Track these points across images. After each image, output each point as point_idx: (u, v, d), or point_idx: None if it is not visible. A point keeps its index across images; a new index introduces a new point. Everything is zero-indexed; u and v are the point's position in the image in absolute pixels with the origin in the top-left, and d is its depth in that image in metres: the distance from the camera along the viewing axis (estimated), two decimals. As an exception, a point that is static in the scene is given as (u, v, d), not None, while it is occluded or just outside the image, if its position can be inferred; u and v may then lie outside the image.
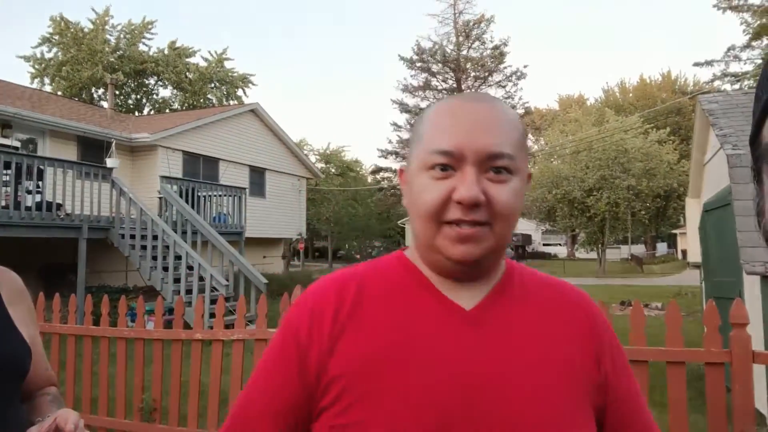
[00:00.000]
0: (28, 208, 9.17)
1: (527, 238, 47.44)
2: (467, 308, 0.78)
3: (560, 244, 51.16)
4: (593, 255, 43.15)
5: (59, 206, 9.77)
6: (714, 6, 20.34)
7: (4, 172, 8.93)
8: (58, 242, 10.32)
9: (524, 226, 49.56)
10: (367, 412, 0.71)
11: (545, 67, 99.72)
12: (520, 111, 22.26)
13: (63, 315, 4.44)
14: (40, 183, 9.65)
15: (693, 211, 7.80)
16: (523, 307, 0.80)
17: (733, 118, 5.15)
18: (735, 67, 21.44)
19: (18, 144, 11.11)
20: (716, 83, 25.06)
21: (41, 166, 9.75)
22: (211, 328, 4.11)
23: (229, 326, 4.07)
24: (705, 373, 2.70)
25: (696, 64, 19.03)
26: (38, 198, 9.50)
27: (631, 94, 51.04)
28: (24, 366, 1.12)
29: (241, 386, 3.78)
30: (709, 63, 21.61)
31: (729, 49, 21.59)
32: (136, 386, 4.03)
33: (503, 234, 0.76)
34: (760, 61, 21.10)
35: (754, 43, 20.41)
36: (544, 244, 53.07)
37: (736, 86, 21.06)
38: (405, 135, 21.37)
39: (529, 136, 35.63)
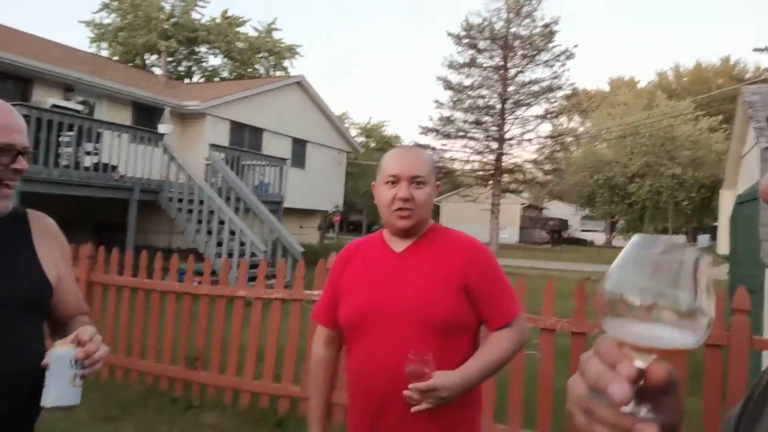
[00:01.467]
0: (86, 169, 9.79)
1: (563, 224, 46.64)
2: (398, 251, 1.58)
3: (598, 231, 50.20)
4: (633, 243, 42.36)
5: (114, 168, 10.37)
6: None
7: (67, 133, 9.52)
8: (111, 202, 10.96)
9: (561, 210, 48.69)
10: (345, 300, 1.60)
11: (596, 47, 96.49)
12: (567, 92, 21.85)
13: (119, 268, 4.88)
14: (97, 145, 10.24)
15: (727, 202, 7.73)
16: (428, 248, 1.56)
17: (774, 111, 5.12)
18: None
19: (80, 107, 11.74)
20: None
21: (99, 130, 10.33)
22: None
23: (268, 287, 4.41)
24: (704, 354, 2.89)
25: (756, 50, 18.24)
26: (95, 159, 10.10)
27: (685, 79, 49.21)
28: (41, 297, 1.24)
29: (278, 342, 4.15)
30: (769, 50, 20.65)
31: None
32: (182, 337, 4.44)
33: (422, 214, 1.54)
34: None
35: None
36: (582, 230, 52.14)
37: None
38: (447, 113, 21.33)
39: (575, 118, 34.80)
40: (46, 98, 11.23)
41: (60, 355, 1.11)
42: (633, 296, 0.43)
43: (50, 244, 1.31)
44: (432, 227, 1.61)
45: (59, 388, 1.10)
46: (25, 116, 8.75)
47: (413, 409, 1.38)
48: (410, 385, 1.35)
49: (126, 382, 4.54)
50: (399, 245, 1.58)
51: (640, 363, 0.44)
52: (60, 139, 9.41)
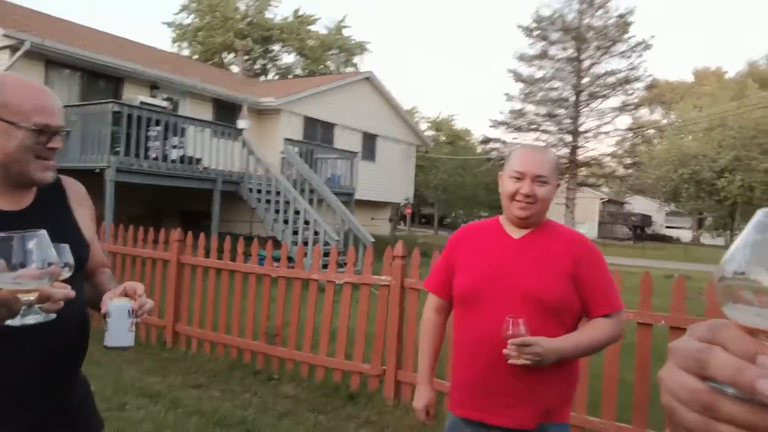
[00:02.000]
0: (173, 161, 10.49)
1: (646, 219, 44.55)
2: (515, 237, 1.76)
3: (685, 228, 47.59)
4: (720, 241, 39.87)
5: (198, 161, 11.03)
6: None
7: (155, 128, 10.24)
8: (196, 192, 11.66)
9: (644, 205, 46.49)
10: (461, 273, 1.78)
11: (678, 37, 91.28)
12: (645, 83, 20.96)
13: (205, 252, 5.28)
14: (182, 139, 10.93)
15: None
16: (544, 239, 1.74)
17: None
18: None
19: (166, 104, 12.54)
20: None
21: (183, 125, 11.03)
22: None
23: (340, 273, 4.66)
24: None
25: None
26: (181, 152, 10.80)
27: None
28: (83, 257, 1.35)
29: (348, 323, 4.38)
30: None
31: None
32: (263, 315, 4.77)
33: (540, 208, 1.71)
34: None
35: None
36: (667, 227, 49.62)
37: None
38: (518, 106, 21.03)
39: (656, 110, 33.22)
40: (135, 95, 12.09)
41: (119, 306, 1.30)
42: (765, 278, 0.36)
43: (82, 206, 1.45)
44: (548, 222, 1.80)
45: (119, 333, 1.30)
46: (117, 113, 9.57)
47: (510, 361, 1.58)
48: (509, 341, 1.56)
49: (213, 354, 4.93)
50: (517, 233, 1.76)
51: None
52: (148, 133, 10.13)
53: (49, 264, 1.02)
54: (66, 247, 1.17)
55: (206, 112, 14.27)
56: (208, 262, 5.19)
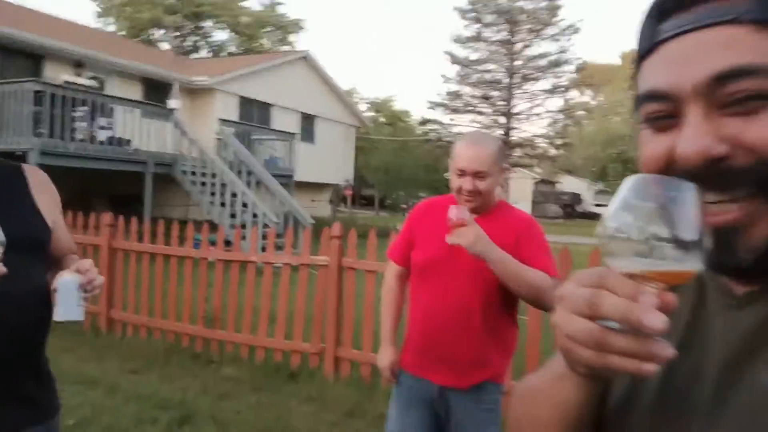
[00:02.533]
0: (101, 143, 10.07)
1: (576, 197, 46.51)
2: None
3: (615, 205, 49.75)
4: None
5: (128, 142, 10.64)
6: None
7: (81, 108, 9.78)
8: (127, 175, 11.26)
9: (575, 185, 48.51)
10: (420, 247, 1.93)
11: (605, 21, 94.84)
12: (574, 66, 21.79)
13: (138, 236, 5.18)
14: (110, 120, 10.50)
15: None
16: (493, 221, 1.83)
17: None
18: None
19: (92, 83, 11.96)
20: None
21: (111, 105, 10.58)
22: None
23: (279, 254, 4.70)
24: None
25: None
26: (109, 134, 10.37)
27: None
28: (42, 241, 1.40)
29: (288, 305, 4.44)
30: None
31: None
32: (200, 299, 4.75)
33: (485, 199, 1.84)
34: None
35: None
36: (596, 205, 51.97)
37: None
38: (454, 87, 21.35)
39: (586, 92, 34.52)
40: (57, 74, 11.47)
41: (69, 281, 1.34)
42: (637, 233, 0.42)
43: (45, 193, 1.49)
44: (499, 204, 1.93)
45: (68, 307, 1.33)
46: (39, 92, 9.08)
47: (449, 240, 1.76)
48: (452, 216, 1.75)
49: (150, 340, 4.87)
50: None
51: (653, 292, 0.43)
52: (74, 114, 9.67)
53: None
54: None
55: (135, 92, 13.72)
56: (142, 246, 5.09)
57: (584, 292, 0.44)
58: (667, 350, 0.42)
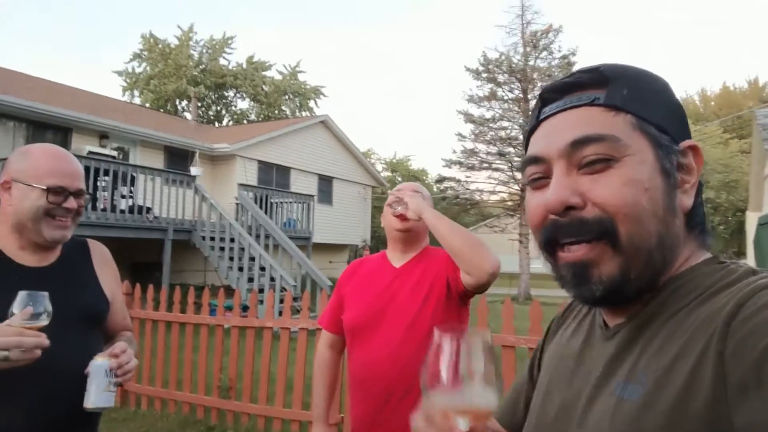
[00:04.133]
0: (122, 211, 10.23)
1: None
2: (397, 266, 1.85)
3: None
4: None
5: (149, 210, 10.80)
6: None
7: (103, 178, 10.00)
8: (146, 242, 11.36)
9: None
10: (350, 307, 1.83)
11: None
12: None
13: (154, 304, 5.12)
14: (132, 188, 10.70)
15: (752, 225, 7.65)
16: (419, 264, 1.81)
17: (787, 132, 5.17)
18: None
19: (115, 153, 12.32)
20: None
21: (133, 174, 10.82)
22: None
23: (295, 319, 4.58)
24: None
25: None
26: (130, 202, 10.55)
27: (713, 103, 48.60)
28: (101, 312, 1.47)
29: (305, 372, 4.28)
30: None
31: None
32: (215, 368, 4.62)
33: (419, 238, 1.85)
34: None
35: None
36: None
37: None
38: (469, 145, 21.54)
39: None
40: (83, 145, 11.83)
41: (98, 365, 1.30)
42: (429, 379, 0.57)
43: (106, 266, 1.57)
44: (426, 248, 1.90)
45: (97, 393, 1.28)
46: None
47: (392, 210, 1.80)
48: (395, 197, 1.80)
49: (164, 412, 4.71)
50: (398, 262, 1.86)
51: (462, 425, 0.57)
52: (97, 184, 9.88)
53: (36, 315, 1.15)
54: (45, 295, 1.21)
55: (158, 160, 14.07)
56: (157, 315, 5.02)
57: (419, 420, 0.62)
58: None
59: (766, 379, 0.47)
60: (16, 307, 1.16)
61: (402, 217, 1.78)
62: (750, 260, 7.44)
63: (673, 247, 0.62)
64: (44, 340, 1.15)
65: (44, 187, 1.33)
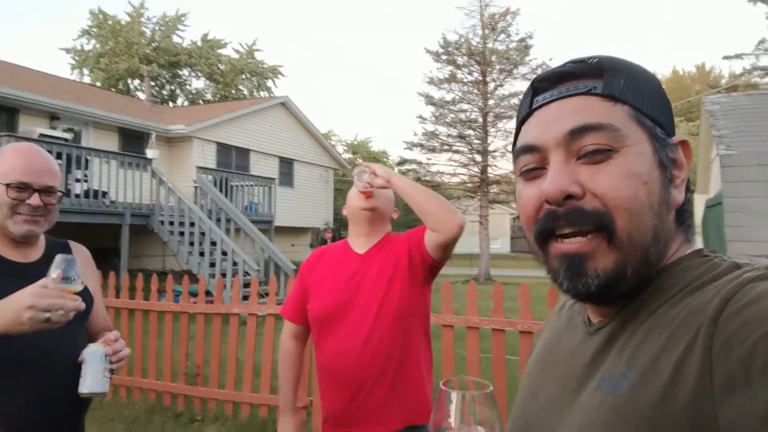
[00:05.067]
0: (77, 195, 9.92)
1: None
2: (361, 253, 1.84)
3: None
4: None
5: (104, 194, 10.50)
6: (746, -2, 20.13)
7: (56, 161, 9.65)
8: (103, 227, 11.07)
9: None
10: (315, 297, 1.82)
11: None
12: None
13: (116, 292, 5.04)
14: (86, 172, 10.38)
15: (699, 207, 8.05)
16: (381, 249, 1.84)
17: (732, 119, 5.45)
18: (765, 61, 21.09)
19: (67, 136, 11.87)
20: (745, 77, 24.67)
21: (87, 157, 10.48)
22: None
23: (262, 304, 4.60)
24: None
25: (726, 57, 18.92)
26: (85, 186, 10.24)
27: (664, 86, 50.13)
28: (87, 307, 1.47)
29: (273, 357, 4.32)
30: (739, 56, 21.33)
31: (760, 42, 21.29)
32: (181, 354, 4.61)
33: (383, 221, 1.88)
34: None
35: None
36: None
37: (766, 80, 20.75)
38: (430, 127, 21.64)
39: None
40: (32, 127, 11.36)
41: (93, 351, 1.34)
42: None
43: (88, 268, 1.59)
44: (387, 235, 1.91)
45: (93, 378, 1.32)
46: (14, 146, 8.94)
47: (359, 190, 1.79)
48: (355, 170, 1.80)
49: (130, 400, 4.69)
50: (361, 248, 1.87)
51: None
52: (49, 167, 9.53)
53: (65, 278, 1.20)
54: (74, 258, 1.25)
55: (112, 143, 13.65)
56: (119, 302, 4.96)
57: None
58: None
59: (754, 375, 0.47)
60: (53, 271, 1.20)
61: (367, 194, 1.80)
62: (699, 242, 7.79)
63: (668, 241, 0.61)
64: (81, 303, 1.20)
65: (6, 184, 1.36)
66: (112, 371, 1.37)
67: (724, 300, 0.52)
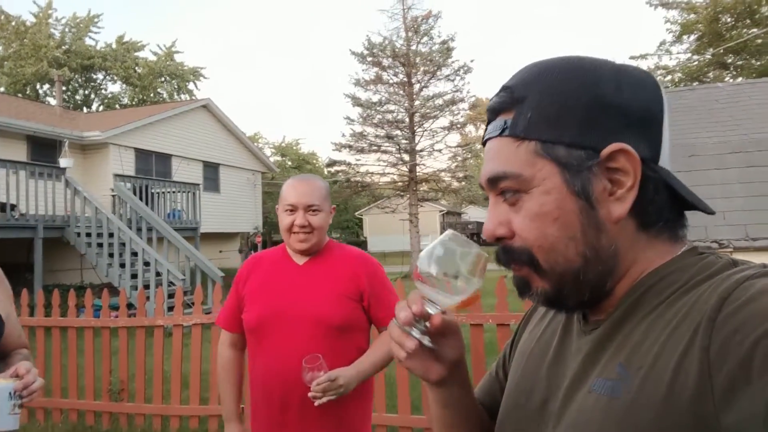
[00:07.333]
0: (-19, 210, 9.26)
1: (480, 226, 48.33)
2: (300, 264, 1.82)
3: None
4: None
5: (13, 207, 9.86)
6: (646, 2, 21.51)
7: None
8: (13, 242, 10.39)
9: (479, 214, 50.60)
10: (250, 305, 1.80)
11: (496, 60, 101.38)
12: (469, 103, 23.02)
13: (30, 310, 4.78)
14: (-9, 184, 9.71)
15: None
16: (327, 261, 1.81)
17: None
18: (666, 61, 22.72)
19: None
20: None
21: (-8, 167, 9.81)
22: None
23: (188, 315, 4.50)
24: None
25: (632, 58, 20.17)
26: (-9, 199, 9.58)
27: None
28: None
29: (201, 367, 4.24)
30: (643, 56, 22.79)
31: (661, 44, 22.87)
32: (104, 371, 4.43)
33: (318, 236, 1.79)
34: (687, 56, 22.44)
35: (683, 38, 21.70)
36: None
37: (668, 78, 22.33)
38: (358, 128, 21.76)
39: (481, 126, 36.29)
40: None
41: (0, 388, 1.25)
42: (432, 271, 0.66)
43: None
44: (328, 244, 1.87)
45: (0, 418, 1.23)
46: None
47: (317, 403, 1.59)
48: (312, 384, 1.57)
49: (49, 422, 4.46)
50: (301, 259, 1.84)
51: (431, 309, 0.66)
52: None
53: None
54: None
55: (20, 152, 12.82)
56: (34, 321, 4.71)
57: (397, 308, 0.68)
58: (410, 342, 0.66)
59: (754, 375, 0.46)
60: None
61: (304, 242, 1.78)
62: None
63: (609, 258, 0.61)
64: None
65: None
66: (21, 406, 1.28)
67: (721, 299, 0.52)
